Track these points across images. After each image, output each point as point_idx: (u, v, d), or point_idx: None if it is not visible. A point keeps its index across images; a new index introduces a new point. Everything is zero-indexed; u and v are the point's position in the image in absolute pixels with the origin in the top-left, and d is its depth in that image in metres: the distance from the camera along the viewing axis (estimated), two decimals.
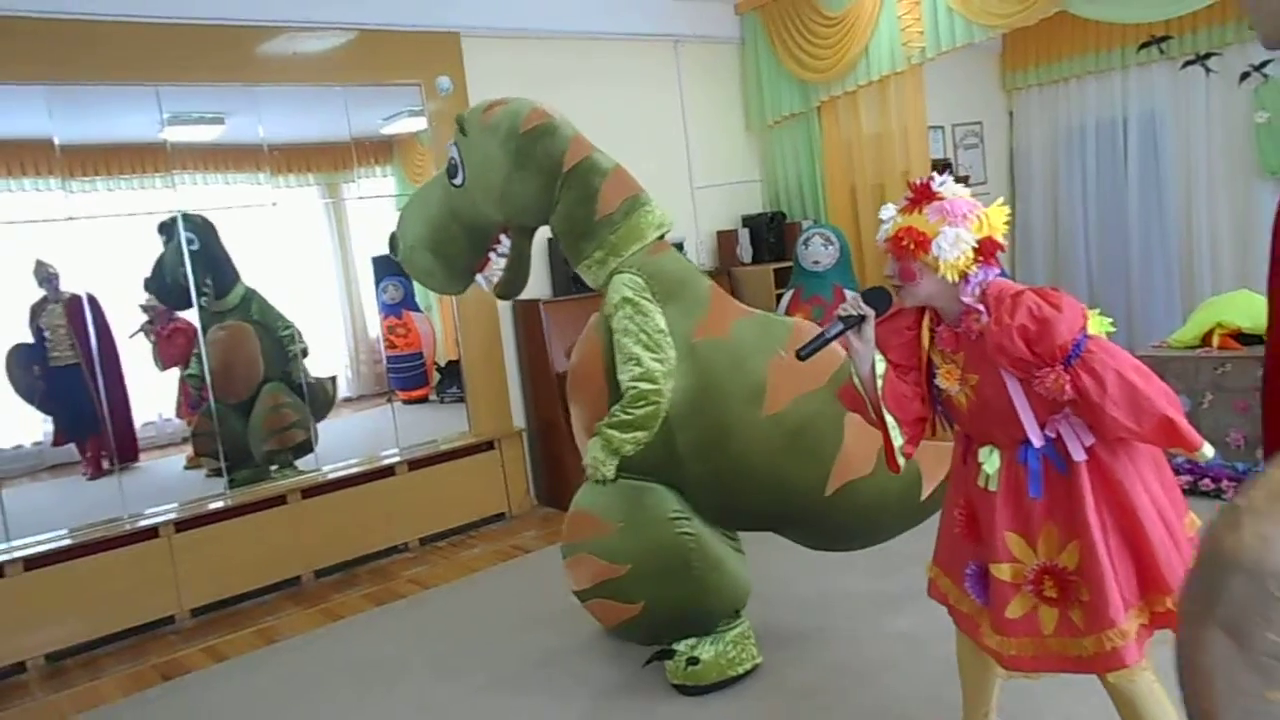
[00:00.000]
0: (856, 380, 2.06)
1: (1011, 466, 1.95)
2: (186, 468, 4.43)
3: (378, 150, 4.92)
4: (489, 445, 5.01)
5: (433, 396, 5.25)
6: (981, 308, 1.89)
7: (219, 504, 4.23)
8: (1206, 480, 3.99)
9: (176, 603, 4.04)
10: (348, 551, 4.52)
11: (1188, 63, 6.06)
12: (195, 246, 4.20)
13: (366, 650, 3.55)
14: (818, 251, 5.18)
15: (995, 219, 1.91)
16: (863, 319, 1.99)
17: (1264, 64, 5.73)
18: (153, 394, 4.34)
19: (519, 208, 3.02)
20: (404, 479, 4.71)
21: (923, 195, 1.92)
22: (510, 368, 5.20)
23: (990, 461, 1.98)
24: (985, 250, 1.88)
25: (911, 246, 1.89)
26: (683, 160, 5.81)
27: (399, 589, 4.21)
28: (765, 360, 2.85)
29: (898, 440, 2.02)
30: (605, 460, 2.78)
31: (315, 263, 4.89)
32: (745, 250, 5.85)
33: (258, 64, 4.30)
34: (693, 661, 2.87)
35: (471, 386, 5.03)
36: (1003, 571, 1.95)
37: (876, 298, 2.02)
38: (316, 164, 4.79)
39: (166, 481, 4.33)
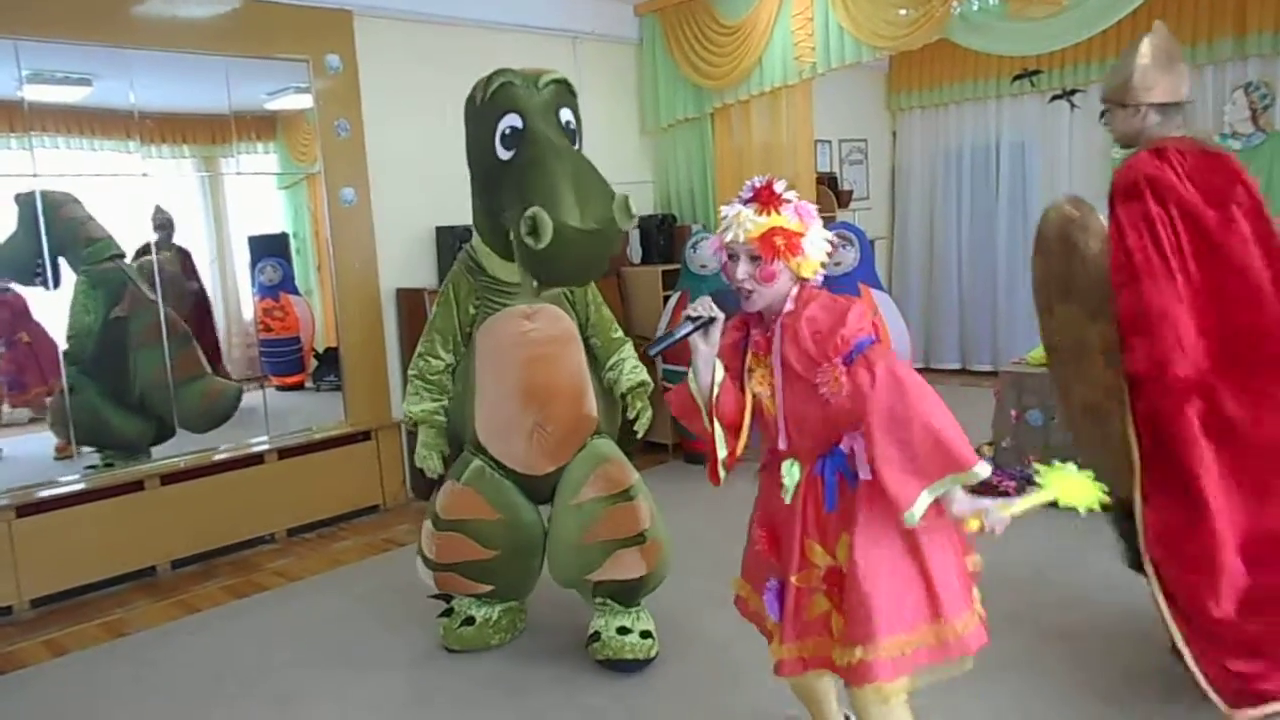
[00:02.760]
0: (694, 385, 1.96)
1: (810, 479, 1.94)
2: (58, 458, 4.12)
3: (260, 125, 4.72)
4: (365, 436, 4.89)
5: (309, 384, 5.08)
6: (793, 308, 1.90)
7: (67, 488, 3.98)
8: None
9: (15, 592, 3.79)
10: (208, 541, 4.33)
11: (1055, 97, 6.45)
12: None
13: (224, 645, 3.41)
14: (705, 256, 5.25)
15: None
16: (712, 320, 1.91)
17: None
18: None
19: None
20: (273, 468, 4.55)
21: (770, 199, 1.85)
22: (391, 357, 5.08)
23: (790, 475, 1.96)
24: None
25: (783, 246, 1.83)
26: None
27: (262, 581, 4.06)
28: None
29: (722, 452, 1.97)
30: None
31: (187, 238, 4.65)
32: (635, 250, 5.90)
33: (132, 25, 4.06)
34: (645, 635, 2.99)
35: (350, 375, 4.89)
36: (801, 579, 1.96)
37: (728, 300, 1.92)
38: (192, 135, 4.56)
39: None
